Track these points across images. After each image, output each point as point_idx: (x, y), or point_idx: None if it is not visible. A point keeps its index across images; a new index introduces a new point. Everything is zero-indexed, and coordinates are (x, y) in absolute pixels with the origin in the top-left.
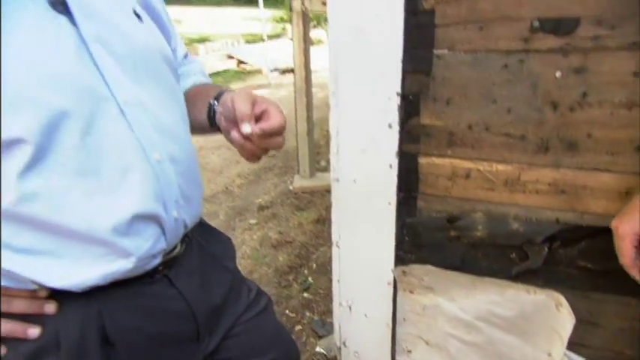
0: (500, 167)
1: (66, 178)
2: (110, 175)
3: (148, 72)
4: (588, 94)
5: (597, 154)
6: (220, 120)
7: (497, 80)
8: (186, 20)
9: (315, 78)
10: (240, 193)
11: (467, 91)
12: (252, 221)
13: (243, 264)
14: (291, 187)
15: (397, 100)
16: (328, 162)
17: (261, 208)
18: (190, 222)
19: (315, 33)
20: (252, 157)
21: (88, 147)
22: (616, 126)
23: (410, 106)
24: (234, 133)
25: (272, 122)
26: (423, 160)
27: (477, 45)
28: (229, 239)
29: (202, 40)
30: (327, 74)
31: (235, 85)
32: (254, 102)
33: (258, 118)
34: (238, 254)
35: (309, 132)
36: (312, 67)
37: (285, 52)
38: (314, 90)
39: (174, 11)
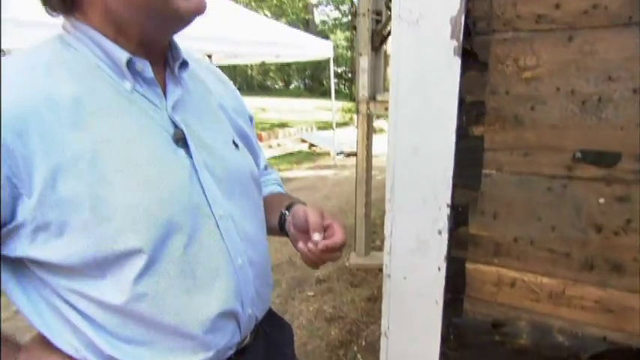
0: (545, 280)
1: (169, 281)
2: (203, 278)
3: (239, 189)
4: (632, 221)
5: None
6: (289, 228)
7: (541, 201)
8: (270, 108)
9: (375, 162)
10: (302, 265)
11: (513, 208)
12: (310, 293)
13: (298, 334)
14: (347, 264)
15: (447, 211)
16: (383, 241)
17: (319, 281)
18: (260, 316)
19: (377, 123)
20: (313, 264)
21: (189, 255)
22: None
23: (459, 216)
24: (301, 244)
25: (335, 240)
26: (470, 266)
27: (522, 168)
28: (289, 326)
29: (282, 126)
30: (386, 159)
31: (306, 164)
32: (322, 216)
33: (324, 230)
34: (295, 324)
35: (367, 215)
36: (374, 152)
37: (350, 138)
38: (374, 172)
39: (261, 101)
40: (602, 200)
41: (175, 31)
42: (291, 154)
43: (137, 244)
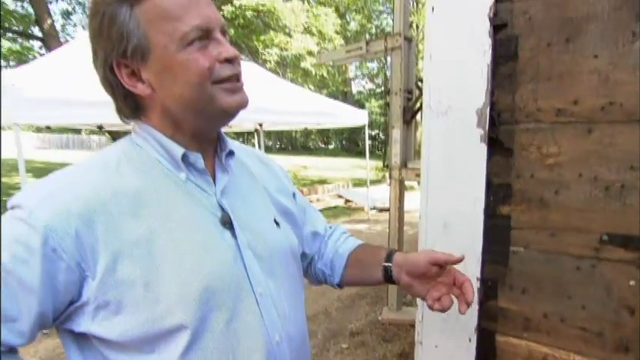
0: (578, 358)
1: (210, 358)
2: (241, 354)
3: (279, 266)
4: None
5: None
6: (400, 277)
7: (570, 279)
8: (311, 166)
9: (406, 217)
10: (336, 317)
11: (541, 285)
12: (344, 345)
13: None
14: (379, 318)
15: (477, 284)
16: (414, 297)
17: (353, 334)
18: None
19: (408, 182)
20: (444, 310)
21: (230, 331)
22: None
23: (489, 289)
24: (436, 294)
25: (469, 288)
26: (500, 338)
27: (549, 247)
28: None
29: (321, 182)
30: (417, 215)
31: (342, 218)
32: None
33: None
34: None
35: None
36: (405, 208)
37: (383, 194)
38: (405, 228)
39: (303, 160)
40: (632, 282)
41: (223, 124)
42: (328, 208)
43: (181, 320)
